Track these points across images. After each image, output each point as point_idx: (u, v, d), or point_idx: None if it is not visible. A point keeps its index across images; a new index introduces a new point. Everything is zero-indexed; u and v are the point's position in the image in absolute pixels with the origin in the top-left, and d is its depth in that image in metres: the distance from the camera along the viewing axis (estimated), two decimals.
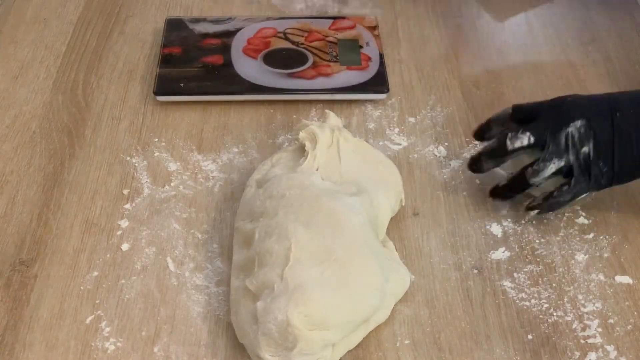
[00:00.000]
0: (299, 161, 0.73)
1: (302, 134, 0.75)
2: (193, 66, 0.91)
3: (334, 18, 0.98)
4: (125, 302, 0.69)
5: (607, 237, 0.75)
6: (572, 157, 0.70)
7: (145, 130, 0.85)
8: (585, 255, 0.73)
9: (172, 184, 0.80)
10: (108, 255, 0.73)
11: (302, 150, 0.75)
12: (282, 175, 0.72)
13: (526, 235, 0.75)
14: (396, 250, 0.72)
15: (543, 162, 0.71)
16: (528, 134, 0.72)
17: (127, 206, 0.77)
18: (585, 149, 0.70)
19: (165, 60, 0.92)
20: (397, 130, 0.86)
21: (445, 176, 0.81)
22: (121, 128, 0.86)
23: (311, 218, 0.67)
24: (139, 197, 0.78)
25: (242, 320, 0.65)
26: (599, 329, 0.68)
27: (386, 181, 0.74)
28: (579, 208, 0.77)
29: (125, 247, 0.74)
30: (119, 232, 0.75)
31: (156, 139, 0.84)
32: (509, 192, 0.76)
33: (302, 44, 0.94)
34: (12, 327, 0.68)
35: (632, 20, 1.00)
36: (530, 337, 0.67)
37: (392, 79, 0.90)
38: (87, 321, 0.68)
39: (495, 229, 0.75)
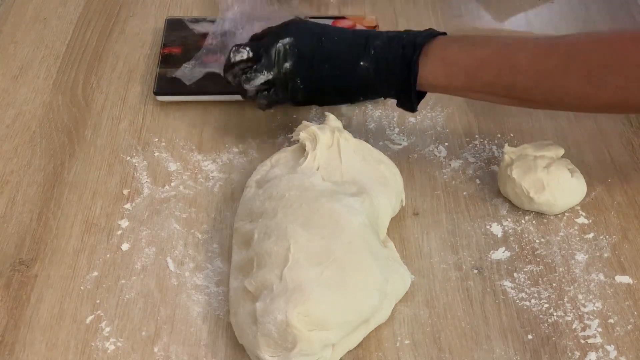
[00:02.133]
0: (299, 161, 0.73)
1: (302, 135, 0.74)
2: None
3: (334, 18, 0.98)
4: (125, 302, 0.69)
5: (607, 237, 0.75)
6: (275, 70, 0.77)
7: (145, 130, 0.85)
8: (585, 255, 0.73)
9: (172, 184, 0.80)
10: (108, 255, 0.73)
11: (301, 151, 0.75)
12: (282, 176, 0.72)
13: (526, 235, 0.75)
14: (396, 250, 0.72)
15: (255, 72, 0.77)
16: (247, 49, 0.79)
17: (127, 206, 0.77)
18: (286, 65, 0.76)
19: (165, 60, 0.92)
20: (397, 130, 0.86)
21: (445, 176, 0.80)
22: (121, 128, 0.86)
23: (310, 219, 0.67)
24: (139, 197, 0.78)
25: (241, 320, 0.65)
26: (599, 329, 0.67)
27: (387, 181, 0.74)
28: (579, 208, 0.77)
29: (125, 247, 0.74)
30: (119, 232, 0.75)
31: (156, 139, 0.84)
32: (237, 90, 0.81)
33: None
34: (12, 327, 0.68)
35: (632, 20, 1.00)
36: (530, 337, 0.67)
37: None
38: (87, 321, 0.68)
39: (495, 229, 0.75)
